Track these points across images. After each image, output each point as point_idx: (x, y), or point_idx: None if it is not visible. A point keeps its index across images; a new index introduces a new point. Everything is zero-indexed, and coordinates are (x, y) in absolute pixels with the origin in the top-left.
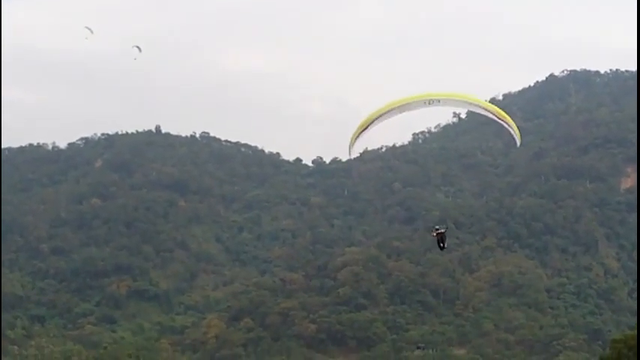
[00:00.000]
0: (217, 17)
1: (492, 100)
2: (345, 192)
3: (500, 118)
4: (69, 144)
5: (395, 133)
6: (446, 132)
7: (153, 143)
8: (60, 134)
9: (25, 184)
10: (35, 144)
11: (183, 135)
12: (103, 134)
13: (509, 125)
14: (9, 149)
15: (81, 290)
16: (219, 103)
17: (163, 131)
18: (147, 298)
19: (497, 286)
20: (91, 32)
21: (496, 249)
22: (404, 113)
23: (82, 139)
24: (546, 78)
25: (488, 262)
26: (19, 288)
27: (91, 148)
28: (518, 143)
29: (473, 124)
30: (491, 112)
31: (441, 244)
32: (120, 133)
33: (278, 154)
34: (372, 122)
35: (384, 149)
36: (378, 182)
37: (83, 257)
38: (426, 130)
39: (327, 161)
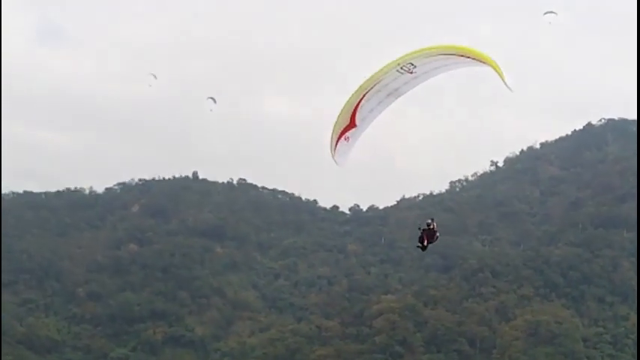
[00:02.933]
0: (253, 63)
1: (530, 149)
2: (382, 240)
3: (483, 62)
4: (106, 189)
5: (432, 181)
6: (483, 180)
7: (190, 189)
8: (97, 179)
9: (62, 229)
10: (72, 188)
11: (220, 181)
12: (140, 180)
13: (495, 69)
14: (46, 193)
15: (117, 335)
16: (257, 149)
17: (200, 177)
18: (182, 344)
19: (534, 335)
20: (155, 78)
21: (533, 298)
22: (396, 99)
23: (119, 184)
24: (583, 127)
25: (525, 311)
26: (55, 332)
27: (128, 193)
28: (508, 85)
29: (510, 173)
30: (472, 56)
31: (423, 244)
32: (157, 178)
33: (315, 201)
34: (355, 116)
35: (420, 197)
36: (414, 230)
37: (119, 302)
38: (463, 179)
39: (364, 209)
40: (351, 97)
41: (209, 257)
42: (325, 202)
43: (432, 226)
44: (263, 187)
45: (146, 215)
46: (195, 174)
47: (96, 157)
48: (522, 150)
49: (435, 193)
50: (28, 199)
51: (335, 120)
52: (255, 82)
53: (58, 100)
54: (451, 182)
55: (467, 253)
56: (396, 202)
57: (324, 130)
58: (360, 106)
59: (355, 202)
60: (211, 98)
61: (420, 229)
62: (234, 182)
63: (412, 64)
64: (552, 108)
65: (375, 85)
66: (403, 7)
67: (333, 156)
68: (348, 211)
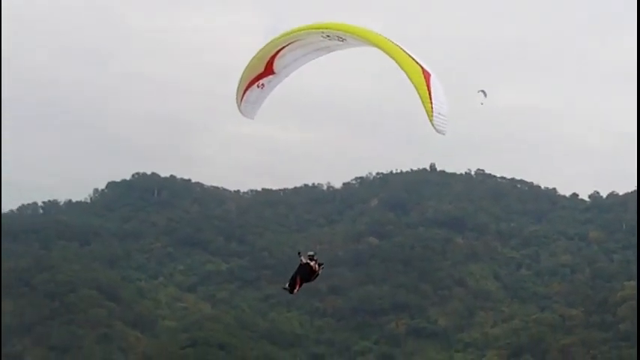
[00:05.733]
0: (490, 52)
1: None
2: (623, 226)
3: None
4: (344, 184)
5: None
6: None
7: (428, 181)
8: (334, 174)
9: (301, 225)
10: (310, 184)
11: (458, 172)
12: (377, 173)
13: (422, 99)
14: (284, 191)
15: (359, 328)
16: (494, 139)
17: (438, 169)
18: (425, 336)
19: None
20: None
21: None
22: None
23: (356, 178)
24: None
25: None
26: (298, 326)
27: (366, 188)
28: (433, 126)
29: None
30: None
31: (292, 288)
32: (394, 172)
33: (554, 189)
34: (273, 64)
35: None
36: None
37: (361, 296)
38: None
39: (604, 195)
40: (265, 47)
41: (449, 248)
42: (564, 190)
43: (312, 263)
44: (501, 177)
45: (385, 208)
46: (432, 166)
47: (333, 153)
48: None
49: None
50: (267, 196)
51: (244, 67)
52: (492, 71)
53: (293, 97)
54: None
55: None
56: (636, 188)
57: (562, 118)
58: (279, 55)
59: (595, 189)
60: (482, 91)
61: (299, 255)
62: (472, 173)
63: (341, 37)
64: None
65: (297, 41)
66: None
67: (239, 105)
68: (587, 199)
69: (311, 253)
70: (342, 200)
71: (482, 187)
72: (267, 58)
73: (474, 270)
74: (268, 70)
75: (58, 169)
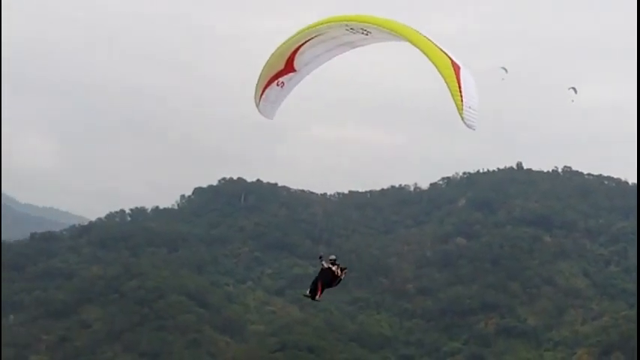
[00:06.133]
0: (572, 49)
1: None
2: None
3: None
4: (431, 184)
5: None
6: None
7: (515, 180)
8: (421, 175)
9: (388, 226)
10: (397, 186)
11: (545, 170)
12: (464, 173)
13: (453, 95)
14: (371, 192)
15: (448, 329)
16: (580, 136)
17: (525, 167)
18: (515, 335)
19: None
20: (506, 72)
21: None
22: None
23: (443, 178)
24: None
25: None
26: (387, 328)
27: (453, 188)
28: (463, 120)
29: None
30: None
31: (314, 294)
32: (481, 171)
33: None
34: (293, 61)
35: None
36: None
37: (450, 296)
38: None
39: None
40: (285, 42)
41: (538, 247)
42: None
43: (334, 268)
44: (588, 174)
45: (472, 208)
46: (519, 164)
47: (419, 154)
48: None
49: None
50: (353, 199)
51: (264, 64)
52: (574, 67)
53: (380, 99)
54: None
55: None
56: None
57: None
58: (300, 51)
59: None
60: (572, 88)
61: (321, 259)
62: (559, 170)
63: (365, 30)
64: None
65: (318, 35)
66: None
67: (257, 104)
68: None
69: (333, 257)
70: (430, 201)
71: (570, 184)
72: (288, 55)
73: (562, 268)
74: (289, 67)
75: (144, 177)
